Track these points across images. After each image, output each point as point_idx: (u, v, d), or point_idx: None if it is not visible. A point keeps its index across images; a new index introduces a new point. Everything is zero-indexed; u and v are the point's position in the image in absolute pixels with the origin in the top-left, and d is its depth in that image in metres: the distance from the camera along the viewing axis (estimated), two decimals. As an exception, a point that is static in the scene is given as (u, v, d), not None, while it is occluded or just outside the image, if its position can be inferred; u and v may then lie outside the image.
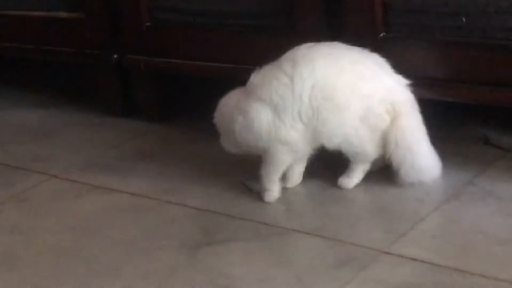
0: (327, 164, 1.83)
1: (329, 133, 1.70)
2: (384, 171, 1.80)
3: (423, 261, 1.48)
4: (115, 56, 2.40)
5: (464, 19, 1.75)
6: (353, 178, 1.79)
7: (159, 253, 1.62)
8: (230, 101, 1.79)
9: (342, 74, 1.69)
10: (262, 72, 1.75)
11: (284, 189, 1.80)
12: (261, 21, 2.08)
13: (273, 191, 1.77)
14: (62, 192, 1.99)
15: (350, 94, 1.68)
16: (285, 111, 1.69)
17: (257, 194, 1.80)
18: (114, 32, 2.38)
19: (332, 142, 1.71)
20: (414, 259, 1.49)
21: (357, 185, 1.80)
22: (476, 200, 1.69)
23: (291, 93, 1.68)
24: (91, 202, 1.91)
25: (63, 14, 2.46)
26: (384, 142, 1.72)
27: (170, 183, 1.95)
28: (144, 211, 1.83)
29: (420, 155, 1.71)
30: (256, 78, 1.75)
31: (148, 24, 2.29)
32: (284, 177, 1.80)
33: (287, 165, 1.77)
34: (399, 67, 1.86)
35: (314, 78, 1.68)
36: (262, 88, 1.72)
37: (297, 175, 1.82)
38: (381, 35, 1.88)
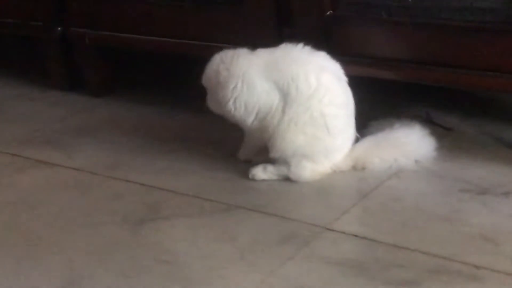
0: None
1: None
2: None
3: (364, 238, 1.50)
4: (60, 28, 2.36)
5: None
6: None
7: (101, 229, 1.61)
8: None
9: None
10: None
11: (229, 166, 1.80)
12: (208, -5, 2.07)
13: None
14: (3, 166, 1.95)
15: None
16: None
17: (203, 172, 1.80)
18: (59, 4, 2.34)
19: None
20: (356, 236, 1.51)
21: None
22: (418, 178, 1.72)
23: None
24: (33, 177, 1.88)
25: (6, -15, 2.41)
26: None
27: (114, 159, 1.93)
28: (87, 187, 1.81)
29: None
30: None
31: (93, -4, 2.25)
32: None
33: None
34: (345, 45, 1.88)
35: None
36: None
37: None
38: (328, 13, 1.88)
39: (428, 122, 1.98)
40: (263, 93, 1.70)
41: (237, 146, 1.85)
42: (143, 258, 1.49)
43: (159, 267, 1.45)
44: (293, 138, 1.69)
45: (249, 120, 1.73)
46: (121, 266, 1.46)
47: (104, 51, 2.35)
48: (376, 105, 2.09)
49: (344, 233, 1.52)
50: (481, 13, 1.70)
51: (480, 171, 1.73)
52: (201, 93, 1.79)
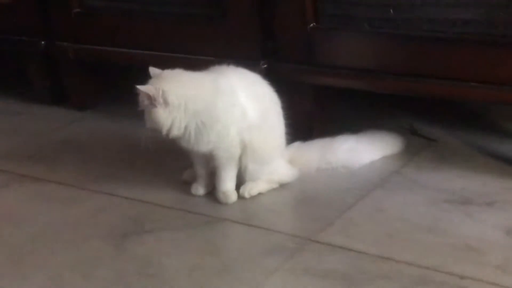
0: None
1: None
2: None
3: (350, 249, 1.50)
4: (43, 42, 2.35)
5: (392, 11, 1.78)
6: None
7: (86, 243, 1.60)
8: None
9: None
10: None
11: (213, 179, 1.79)
12: (191, 9, 2.07)
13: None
14: (-13, 181, 1.94)
15: None
16: None
17: (186, 184, 1.80)
18: (42, 18, 2.33)
19: None
20: (341, 247, 1.51)
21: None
22: (402, 189, 1.73)
23: None
24: (16, 192, 1.87)
25: (-11, -1, 2.40)
26: None
27: (98, 172, 1.93)
28: (71, 201, 1.80)
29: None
30: None
31: (77, 10, 2.25)
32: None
33: None
34: (328, 57, 1.89)
35: None
36: None
37: None
38: (311, 25, 1.89)
39: (412, 133, 2.00)
40: None
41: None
42: (128, 272, 1.48)
43: (144, 281, 1.45)
44: None
45: None
46: (105, 280, 1.46)
47: (88, 65, 2.35)
48: (361, 116, 2.10)
49: (329, 244, 1.52)
50: (463, 25, 1.71)
51: (463, 181, 1.74)
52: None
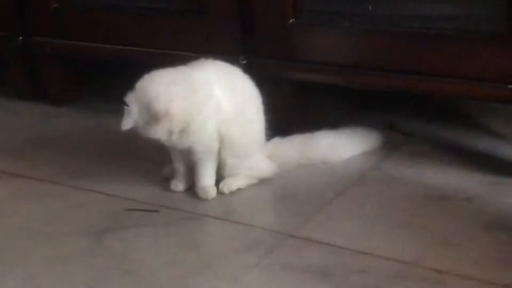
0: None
1: None
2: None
3: (329, 244, 1.50)
4: (21, 38, 2.33)
5: (370, 7, 1.79)
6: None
7: (64, 239, 1.59)
8: None
9: None
10: None
11: (192, 175, 1.79)
12: (171, 3, 2.06)
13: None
14: (-36, 177, 1.93)
15: None
16: None
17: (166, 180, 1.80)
18: (19, 12, 2.32)
19: None
20: (320, 242, 1.51)
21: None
22: (381, 184, 1.74)
23: None
24: (-6, 188, 1.86)
25: (-35, -7, 2.38)
26: None
27: (77, 168, 1.92)
28: (50, 197, 1.79)
29: None
30: None
31: (55, 5, 2.23)
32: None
33: None
34: (307, 53, 1.89)
35: None
36: None
37: None
38: (291, 21, 1.89)
39: (391, 128, 2.01)
40: None
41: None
42: (107, 268, 1.48)
43: (123, 277, 1.44)
44: None
45: None
46: (84, 277, 1.45)
47: (67, 60, 2.33)
48: (340, 111, 2.10)
49: (308, 239, 1.53)
50: (441, 20, 1.72)
51: (441, 176, 1.75)
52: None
